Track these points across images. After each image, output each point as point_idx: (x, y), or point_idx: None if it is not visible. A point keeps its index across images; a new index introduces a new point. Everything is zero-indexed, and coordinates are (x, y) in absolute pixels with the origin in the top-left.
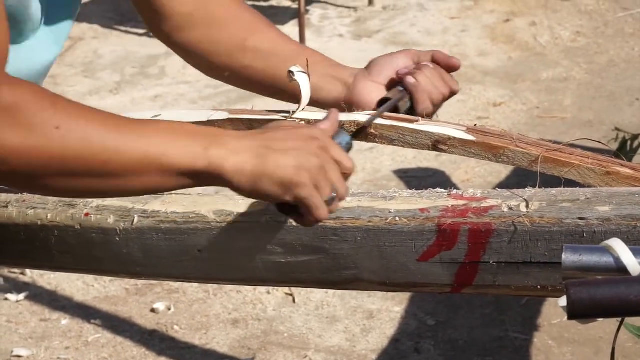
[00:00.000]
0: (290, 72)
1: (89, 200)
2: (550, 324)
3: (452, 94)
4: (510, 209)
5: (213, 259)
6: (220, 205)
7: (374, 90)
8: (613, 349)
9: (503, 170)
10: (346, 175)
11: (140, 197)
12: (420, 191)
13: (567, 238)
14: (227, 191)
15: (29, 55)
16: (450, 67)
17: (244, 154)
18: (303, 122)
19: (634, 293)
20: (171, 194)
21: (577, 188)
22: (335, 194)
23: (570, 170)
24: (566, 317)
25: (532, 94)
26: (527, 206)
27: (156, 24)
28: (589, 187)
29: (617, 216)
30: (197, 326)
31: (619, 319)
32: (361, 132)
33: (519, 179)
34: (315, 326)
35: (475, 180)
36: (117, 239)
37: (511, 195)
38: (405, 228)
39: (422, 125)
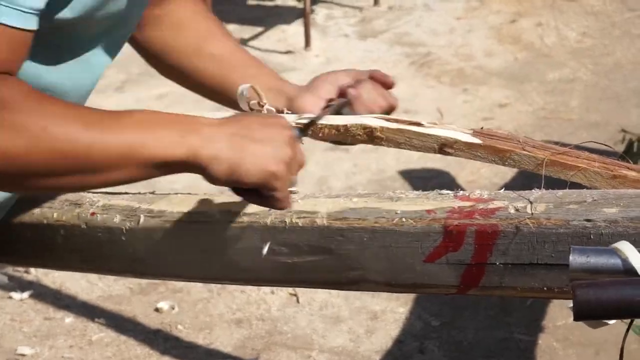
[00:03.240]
0: (241, 91)
1: (95, 199)
2: (555, 325)
3: (391, 108)
4: (516, 210)
5: (218, 258)
6: (225, 205)
7: (315, 103)
8: (622, 350)
9: (508, 172)
10: (299, 169)
11: (147, 196)
12: (426, 192)
13: (574, 240)
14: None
15: (86, 67)
16: (386, 85)
17: (221, 142)
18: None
19: None
20: (177, 193)
21: (584, 190)
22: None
23: (577, 173)
24: (572, 319)
25: (538, 95)
26: (534, 208)
27: None
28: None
29: (624, 218)
30: (200, 326)
31: (627, 321)
32: (308, 128)
33: (525, 180)
34: (319, 326)
35: (481, 182)
36: (123, 238)
37: (517, 196)
38: (411, 229)
39: (429, 129)
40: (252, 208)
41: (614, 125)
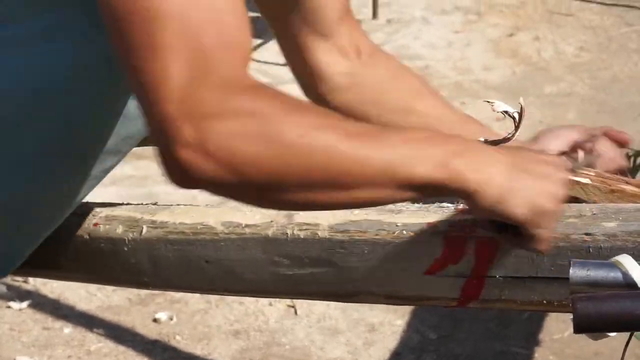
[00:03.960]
0: (505, 111)
1: (98, 210)
2: (552, 339)
3: (620, 171)
4: None
5: (220, 270)
6: (228, 216)
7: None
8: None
9: None
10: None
11: (150, 207)
12: (427, 205)
13: (573, 253)
14: (234, 202)
15: None
16: (621, 142)
17: (496, 168)
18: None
19: None
20: (179, 204)
21: (583, 204)
22: None
23: (576, 187)
24: (568, 332)
25: (536, 109)
26: None
27: (313, 81)
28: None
29: (624, 232)
30: (199, 336)
31: (627, 334)
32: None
33: None
34: (317, 338)
35: None
36: (126, 248)
37: None
38: (412, 241)
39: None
40: (253, 219)
41: None
